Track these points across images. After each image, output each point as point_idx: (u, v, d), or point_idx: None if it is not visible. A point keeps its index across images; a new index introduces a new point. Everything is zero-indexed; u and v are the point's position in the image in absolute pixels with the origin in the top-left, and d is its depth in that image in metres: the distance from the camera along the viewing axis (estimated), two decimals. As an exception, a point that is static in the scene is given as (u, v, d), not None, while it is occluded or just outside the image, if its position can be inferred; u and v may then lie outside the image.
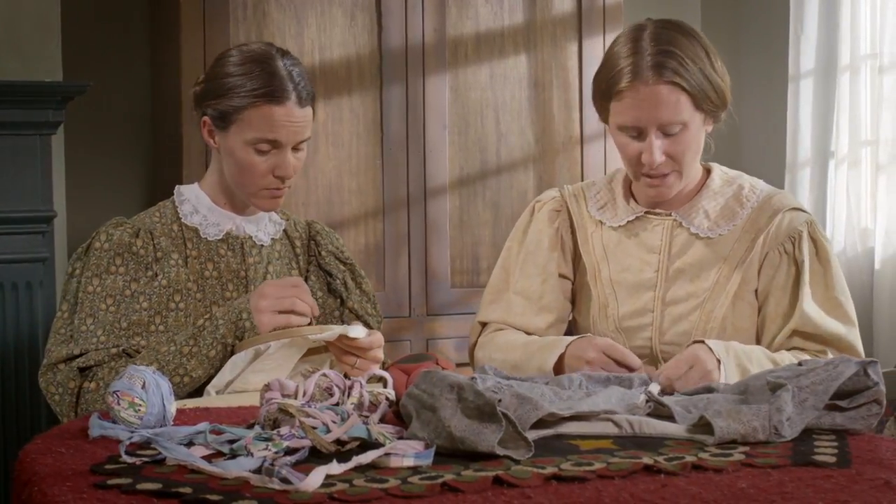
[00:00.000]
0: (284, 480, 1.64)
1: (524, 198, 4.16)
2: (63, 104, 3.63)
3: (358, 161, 3.99)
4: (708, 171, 2.59)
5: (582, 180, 4.20)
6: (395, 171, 4.02)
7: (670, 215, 2.55)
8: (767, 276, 2.50)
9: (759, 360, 2.34)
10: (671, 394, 2.19)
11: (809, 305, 2.45)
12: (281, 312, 2.44)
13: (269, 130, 2.52)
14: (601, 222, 2.60)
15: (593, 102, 2.53)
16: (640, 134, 2.44)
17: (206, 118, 2.59)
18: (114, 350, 2.45)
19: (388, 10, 4.00)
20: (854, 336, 2.47)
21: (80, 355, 2.46)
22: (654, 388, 2.20)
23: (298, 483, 1.62)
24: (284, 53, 2.59)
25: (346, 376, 2.09)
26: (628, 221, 2.57)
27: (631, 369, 2.33)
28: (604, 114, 2.51)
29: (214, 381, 2.45)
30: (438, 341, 4.07)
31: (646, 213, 2.56)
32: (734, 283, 2.49)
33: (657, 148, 2.43)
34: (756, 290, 2.51)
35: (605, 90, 2.47)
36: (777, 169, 4.39)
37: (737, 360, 2.32)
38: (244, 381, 2.45)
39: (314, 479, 1.63)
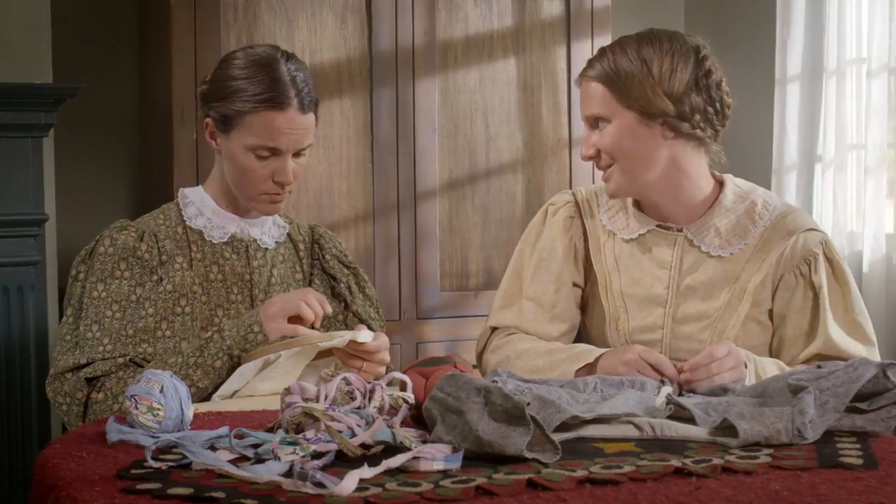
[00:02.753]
0: (318, 485, 1.63)
1: (513, 201, 4.16)
2: (55, 106, 3.60)
3: (348, 164, 3.98)
4: (721, 185, 2.58)
5: (570, 184, 4.23)
6: (384, 174, 4.02)
7: (681, 231, 2.54)
8: (783, 298, 2.50)
9: (772, 371, 2.35)
10: (686, 394, 2.20)
11: (834, 330, 2.45)
12: (289, 319, 2.43)
13: (270, 138, 2.51)
14: (613, 233, 2.60)
15: None
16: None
17: (208, 120, 2.58)
18: (120, 360, 2.43)
19: (379, 13, 3.99)
20: (874, 356, 2.47)
21: (87, 364, 2.43)
22: (668, 391, 2.21)
23: (333, 487, 1.62)
24: (290, 57, 2.58)
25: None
26: (640, 235, 2.56)
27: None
28: None
29: (221, 391, 2.43)
30: (428, 345, 4.06)
31: (657, 226, 2.56)
32: (746, 304, 2.48)
33: (586, 140, 2.53)
34: (770, 311, 2.51)
35: None
36: (763, 173, 4.40)
37: (755, 370, 2.33)
38: (251, 388, 2.43)
39: (349, 484, 1.62)
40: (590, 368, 2.41)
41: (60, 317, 3.70)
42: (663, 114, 2.44)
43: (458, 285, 4.13)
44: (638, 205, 2.59)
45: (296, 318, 2.43)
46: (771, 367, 2.37)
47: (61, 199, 3.94)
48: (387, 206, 4.02)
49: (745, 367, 2.32)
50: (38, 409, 3.64)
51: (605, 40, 4.24)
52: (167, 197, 3.80)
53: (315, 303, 2.44)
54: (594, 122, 2.49)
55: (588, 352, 2.44)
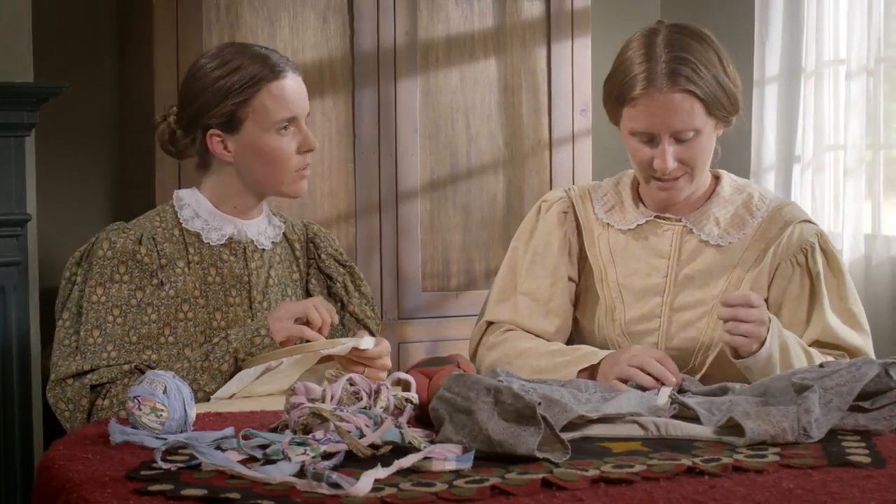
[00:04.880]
0: (334, 485, 1.63)
1: (494, 201, 4.16)
2: (38, 106, 3.57)
3: (330, 164, 3.97)
4: (717, 178, 2.59)
5: (550, 184, 4.24)
6: (366, 174, 4.01)
7: (680, 221, 2.55)
8: (780, 287, 2.51)
9: (794, 344, 2.37)
10: (685, 391, 2.21)
11: (831, 317, 2.47)
12: (296, 321, 2.43)
13: (285, 107, 2.51)
14: (608, 225, 2.59)
15: (604, 105, 2.52)
16: (651, 140, 2.44)
17: (213, 130, 2.52)
18: (126, 367, 2.39)
19: (361, 12, 3.98)
20: (869, 346, 2.49)
21: (91, 371, 2.39)
22: (668, 391, 2.21)
23: (349, 487, 1.62)
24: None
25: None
26: (637, 225, 2.57)
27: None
28: (615, 117, 2.50)
29: (218, 393, 2.41)
30: (410, 345, 4.06)
31: (655, 217, 2.56)
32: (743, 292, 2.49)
33: (670, 154, 2.43)
34: (766, 301, 2.52)
35: (619, 95, 2.46)
36: (742, 173, 4.37)
37: (780, 338, 2.33)
38: (249, 390, 2.42)
39: (364, 484, 1.62)
40: (592, 371, 2.41)
41: (42, 317, 3.70)
42: (736, 111, 2.48)
43: (440, 285, 4.13)
44: (636, 197, 2.59)
45: (303, 321, 2.44)
46: (793, 342, 2.37)
47: (41, 199, 3.90)
48: (369, 206, 4.02)
49: (767, 326, 2.32)
50: (21, 410, 3.61)
51: (584, 41, 4.26)
52: (149, 196, 3.79)
53: (324, 310, 2.44)
54: (677, 135, 2.42)
55: (592, 354, 2.44)
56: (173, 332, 2.47)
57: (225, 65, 2.52)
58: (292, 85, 2.53)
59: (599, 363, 2.40)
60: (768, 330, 2.31)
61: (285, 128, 2.52)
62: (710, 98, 2.41)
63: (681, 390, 2.23)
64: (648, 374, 2.30)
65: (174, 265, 2.51)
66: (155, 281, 2.48)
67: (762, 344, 2.29)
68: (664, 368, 2.30)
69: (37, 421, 3.68)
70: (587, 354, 2.44)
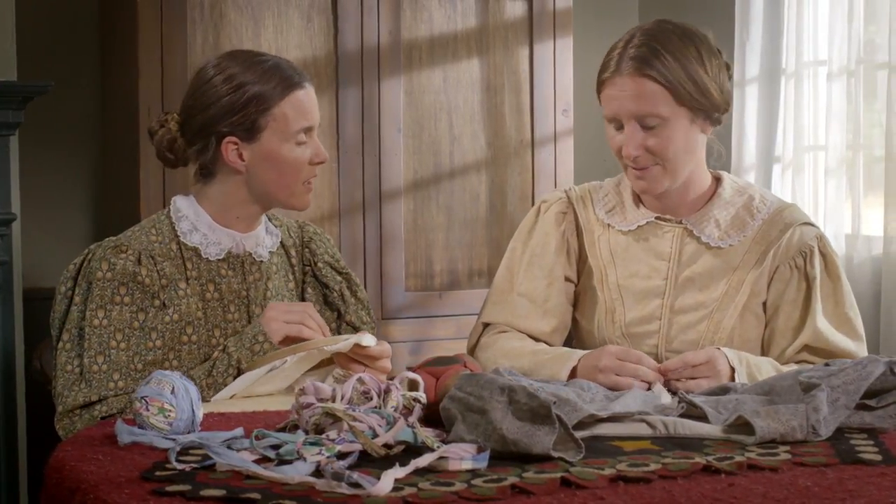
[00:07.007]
0: (354, 485, 1.63)
1: (477, 201, 4.17)
2: (23, 104, 3.54)
3: (314, 164, 3.96)
4: (718, 180, 2.60)
5: (533, 185, 4.25)
6: (350, 174, 4.00)
7: (681, 223, 2.56)
8: (777, 290, 2.52)
9: (767, 372, 2.37)
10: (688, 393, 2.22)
11: (821, 321, 2.47)
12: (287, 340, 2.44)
13: (304, 117, 2.49)
14: (609, 225, 2.60)
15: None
16: (621, 126, 2.47)
17: (230, 138, 2.48)
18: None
19: (345, 12, 3.98)
20: (863, 351, 2.49)
21: (99, 402, 2.36)
22: (660, 390, 2.22)
23: (371, 487, 1.61)
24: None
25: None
26: (638, 226, 2.57)
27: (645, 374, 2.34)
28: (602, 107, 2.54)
29: (218, 395, 2.39)
30: (394, 345, 4.02)
31: (656, 218, 2.57)
32: (743, 295, 2.50)
33: (632, 140, 2.44)
34: (765, 303, 2.53)
35: (597, 82, 2.51)
36: (722, 173, 4.45)
37: (748, 370, 2.35)
38: (249, 390, 2.41)
39: (385, 484, 1.62)
40: (571, 372, 2.41)
41: (26, 318, 3.67)
42: (716, 109, 2.47)
43: (423, 285, 4.13)
44: (637, 198, 2.60)
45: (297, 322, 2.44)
46: (766, 368, 2.39)
47: (23, 199, 3.87)
48: (352, 206, 4.01)
49: (733, 371, 2.34)
50: (5, 410, 3.58)
51: (566, 41, 4.26)
52: (133, 195, 3.78)
53: (318, 318, 2.45)
54: (642, 121, 2.43)
55: (569, 353, 2.45)
56: (177, 356, 2.44)
57: (243, 73, 2.49)
58: (310, 95, 2.52)
59: (578, 364, 2.41)
60: (733, 370, 2.33)
61: (303, 140, 2.50)
62: (674, 86, 2.41)
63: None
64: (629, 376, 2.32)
65: (175, 286, 2.47)
66: (157, 302, 2.44)
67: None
68: (644, 369, 2.32)
69: (21, 420, 3.66)
70: (563, 354, 2.45)
